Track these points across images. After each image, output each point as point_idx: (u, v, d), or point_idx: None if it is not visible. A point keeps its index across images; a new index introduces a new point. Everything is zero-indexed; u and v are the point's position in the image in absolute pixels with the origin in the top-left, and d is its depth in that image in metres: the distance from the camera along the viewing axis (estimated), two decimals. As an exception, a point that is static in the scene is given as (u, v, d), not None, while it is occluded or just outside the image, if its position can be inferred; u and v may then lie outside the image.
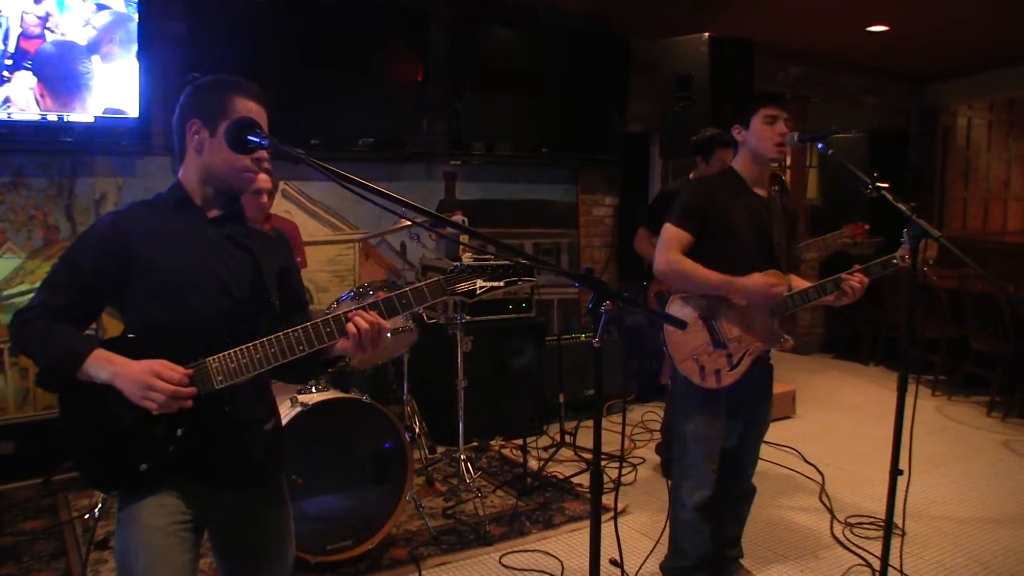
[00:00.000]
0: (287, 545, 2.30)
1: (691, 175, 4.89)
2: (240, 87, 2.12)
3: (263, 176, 4.63)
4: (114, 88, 4.88)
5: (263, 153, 2.09)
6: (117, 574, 2.06)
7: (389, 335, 4.12)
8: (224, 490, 2.11)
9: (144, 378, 1.89)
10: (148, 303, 2.01)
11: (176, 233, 2.07)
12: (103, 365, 1.92)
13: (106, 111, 4.86)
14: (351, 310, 2.08)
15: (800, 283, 3.37)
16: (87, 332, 2.07)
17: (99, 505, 4.07)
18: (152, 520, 1.99)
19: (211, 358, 1.99)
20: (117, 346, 1.97)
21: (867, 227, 4.63)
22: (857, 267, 3.26)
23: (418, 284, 2.17)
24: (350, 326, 2.06)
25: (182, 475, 2.02)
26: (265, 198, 4.66)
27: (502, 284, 2.12)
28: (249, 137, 1.99)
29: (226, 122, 2.03)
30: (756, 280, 3.18)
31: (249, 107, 2.09)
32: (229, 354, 2.00)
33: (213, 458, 2.06)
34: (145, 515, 1.99)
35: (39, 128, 4.71)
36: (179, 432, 1.99)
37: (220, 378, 2.00)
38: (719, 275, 3.17)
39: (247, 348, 2.01)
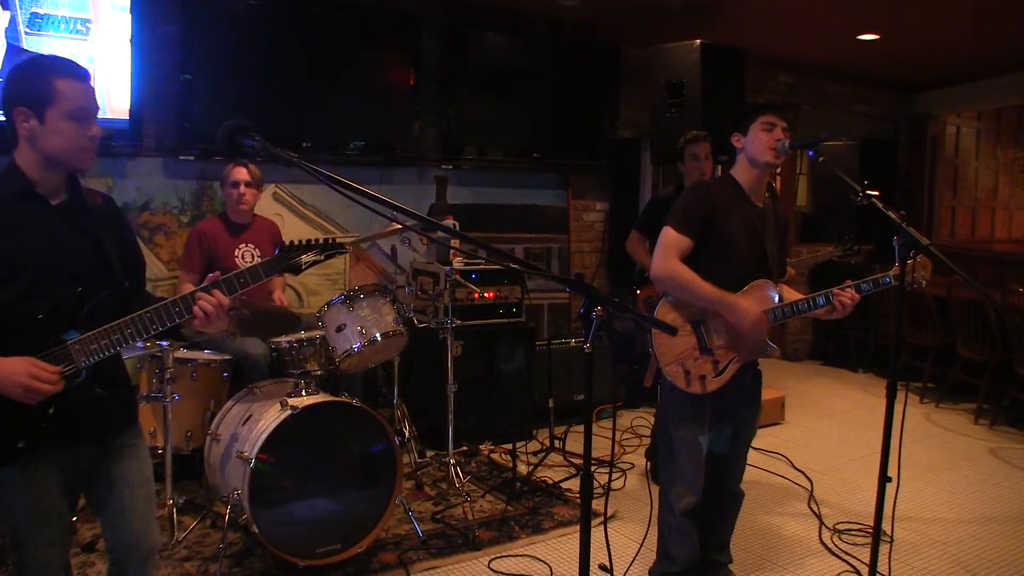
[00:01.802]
0: (149, 471, 2.49)
1: (685, 182, 4.92)
2: (59, 68, 2.15)
3: (239, 169, 4.65)
4: (105, 89, 4.87)
5: (97, 130, 2.18)
6: (8, 532, 2.27)
7: (379, 337, 4.12)
8: (88, 443, 2.31)
9: (22, 380, 2.04)
10: (4, 292, 2.09)
11: (21, 225, 2.14)
12: None
13: (100, 113, 4.84)
14: (196, 290, 2.25)
15: (791, 294, 3.38)
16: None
17: (87, 507, 4.05)
18: (32, 487, 2.19)
19: (72, 341, 2.14)
20: None
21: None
22: (849, 283, 3.28)
23: (252, 264, 2.36)
24: (196, 308, 2.23)
25: (53, 441, 2.19)
26: (242, 188, 4.66)
27: (322, 258, 2.32)
28: (243, 141, 2.00)
29: (54, 108, 2.10)
30: (750, 313, 3.19)
31: (73, 87, 2.14)
32: (89, 336, 2.16)
33: (80, 425, 2.24)
34: (26, 482, 2.18)
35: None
36: (50, 411, 2.14)
37: (83, 359, 2.16)
38: (715, 290, 3.17)
39: (106, 330, 2.17)
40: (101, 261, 2.27)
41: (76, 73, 2.17)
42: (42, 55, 2.24)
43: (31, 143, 2.14)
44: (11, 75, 2.16)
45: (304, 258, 2.42)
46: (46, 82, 2.11)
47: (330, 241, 2.45)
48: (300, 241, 2.40)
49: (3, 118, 2.17)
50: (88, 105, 2.17)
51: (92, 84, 2.21)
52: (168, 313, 2.22)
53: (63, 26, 4.74)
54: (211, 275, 2.33)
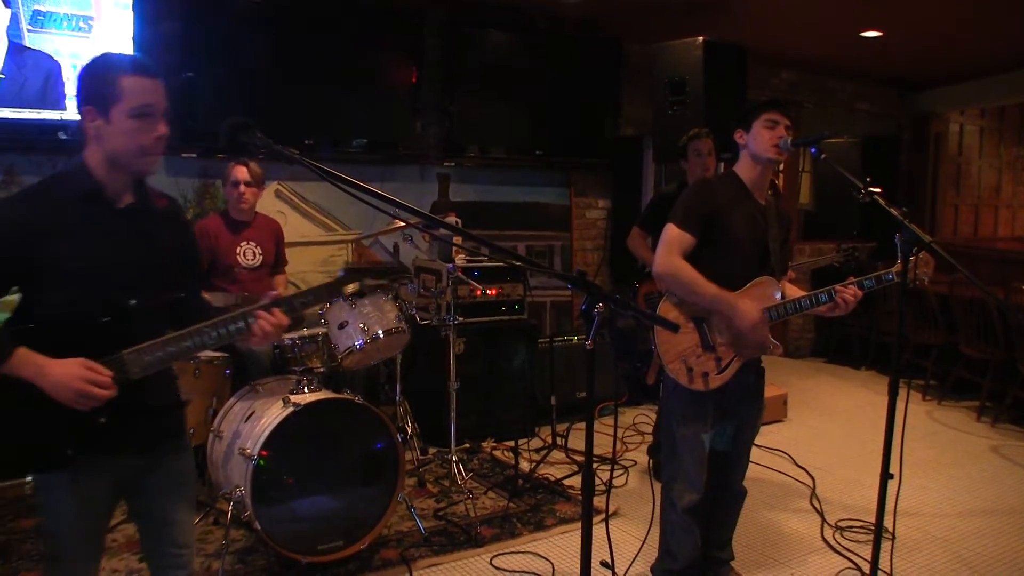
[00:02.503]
0: (192, 483, 2.49)
1: (688, 179, 4.91)
2: (126, 66, 2.09)
3: (240, 168, 4.65)
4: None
5: (163, 130, 2.12)
6: (44, 536, 2.25)
7: (381, 335, 4.12)
8: (135, 454, 2.25)
9: (76, 384, 1.99)
10: (57, 298, 2.06)
11: (84, 228, 2.09)
12: (25, 365, 1.99)
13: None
14: (255, 308, 2.21)
15: (793, 291, 3.38)
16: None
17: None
18: (76, 495, 2.15)
19: (127, 351, 2.09)
20: (29, 339, 2.01)
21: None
22: (851, 279, 3.28)
23: (315, 286, 2.34)
24: (255, 327, 2.19)
25: (101, 451, 2.14)
26: (243, 187, 4.66)
27: (385, 282, 2.31)
28: (245, 138, 2.00)
29: (119, 106, 2.05)
30: (750, 315, 3.19)
31: (141, 84, 2.07)
32: (145, 348, 2.11)
33: (129, 436, 2.20)
34: (69, 489, 2.15)
35: (34, 126, 4.70)
36: (102, 420, 2.09)
37: (136, 370, 2.11)
38: (717, 290, 3.17)
39: (162, 342, 2.13)
40: (160, 269, 2.24)
41: (142, 69, 2.10)
42: (112, 53, 2.16)
43: (98, 142, 2.10)
44: (82, 73, 2.11)
45: (368, 281, 2.41)
46: (112, 79, 2.06)
47: (394, 266, 2.45)
48: (364, 264, 2.42)
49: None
50: (153, 103, 2.09)
51: (158, 81, 2.12)
52: (226, 329, 2.18)
53: (65, 23, 4.75)
54: (272, 292, 2.30)
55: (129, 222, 2.18)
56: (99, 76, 2.08)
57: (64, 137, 4.81)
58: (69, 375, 1.99)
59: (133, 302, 2.14)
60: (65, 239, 2.05)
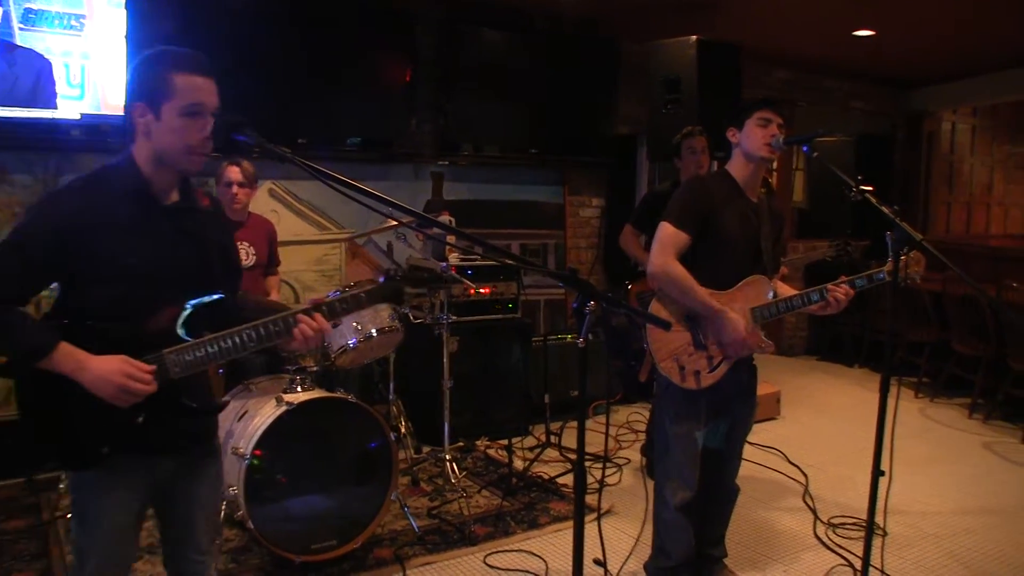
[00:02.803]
0: (219, 489, 2.48)
1: (681, 177, 4.91)
2: (179, 63, 2.06)
3: (233, 168, 4.64)
4: (101, 86, 4.87)
5: (210, 129, 2.09)
6: (75, 534, 2.21)
7: (375, 333, 4.12)
8: (169, 455, 2.25)
9: (118, 379, 1.98)
10: (101, 293, 2.05)
11: (131, 225, 2.08)
12: (66, 360, 1.97)
13: (93, 108, 4.85)
14: (297, 311, 2.19)
15: (785, 289, 3.39)
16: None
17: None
18: (110, 494, 2.14)
19: (168, 351, 2.08)
20: (70, 334, 1.99)
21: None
22: (843, 278, 3.29)
23: (357, 290, 2.32)
24: (296, 331, 2.17)
25: (137, 451, 2.14)
26: (235, 189, 4.65)
27: (424, 291, 2.29)
28: (236, 136, 1.99)
29: (169, 103, 2.02)
30: (738, 328, 3.20)
31: (193, 82, 2.05)
32: (186, 348, 2.10)
33: (164, 436, 2.18)
34: (104, 487, 2.13)
35: (25, 125, 4.69)
36: (140, 419, 2.07)
37: (177, 370, 2.10)
38: (709, 299, 3.18)
39: (203, 343, 2.11)
40: (204, 268, 2.22)
41: (196, 67, 2.07)
42: (168, 48, 2.09)
43: (147, 139, 2.07)
44: (134, 68, 2.09)
45: (408, 288, 2.40)
46: (163, 76, 2.03)
47: (434, 275, 2.44)
48: (404, 270, 2.40)
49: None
50: (204, 101, 2.06)
51: (211, 79, 2.09)
52: (267, 332, 2.17)
53: (57, 22, 4.73)
54: (313, 297, 2.28)
55: (174, 220, 2.16)
56: (151, 72, 2.05)
57: (56, 136, 4.79)
58: (110, 370, 1.98)
59: (179, 298, 2.13)
60: (112, 234, 2.04)
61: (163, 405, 2.09)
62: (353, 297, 2.30)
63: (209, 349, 2.12)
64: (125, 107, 2.09)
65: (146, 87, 2.05)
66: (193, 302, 2.14)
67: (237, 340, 2.14)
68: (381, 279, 2.38)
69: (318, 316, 2.20)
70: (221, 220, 2.40)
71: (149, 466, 2.19)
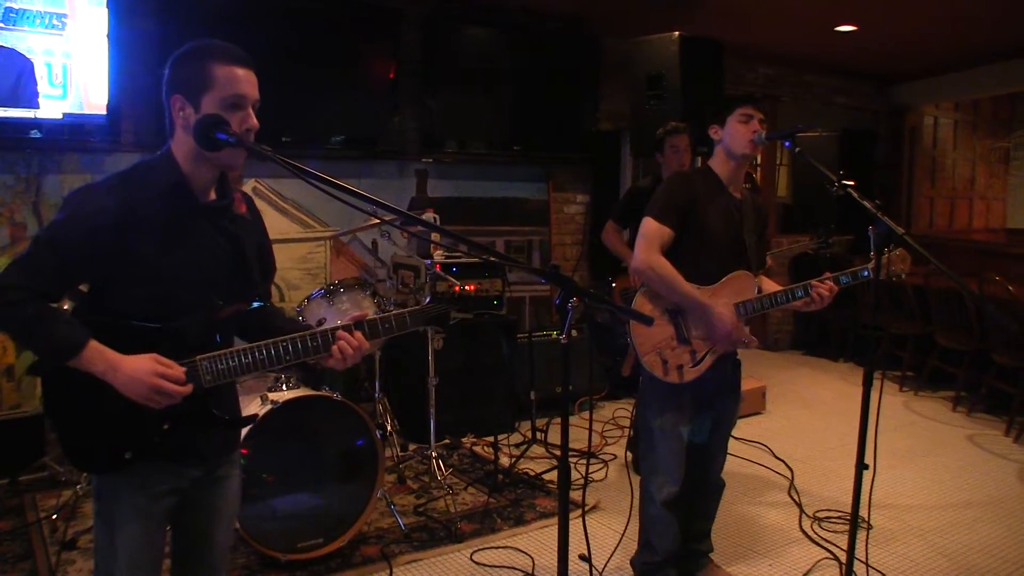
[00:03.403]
0: (237, 504, 2.38)
1: (663, 173, 4.93)
2: (219, 53, 2.00)
3: None
4: (83, 85, 4.84)
5: (253, 122, 2.05)
6: (99, 543, 2.12)
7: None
8: (193, 465, 2.16)
9: (150, 380, 1.91)
10: (136, 293, 1.98)
11: (169, 223, 2.00)
12: (96, 359, 1.90)
13: (75, 108, 4.82)
14: (337, 328, 2.12)
15: (770, 285, 3.40)
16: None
17: (68, 504, 4.05)
18: (134, 501, 2.05)
19: (201, 357, 2.01)
20: (101, 332, 1.92)
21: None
22: (828, 274, 3.31)
23: (402, 311, 2.26)
24: (335, 348, 2.11)
25: (161, 457, 2.06)
26: None
27: (470, 316, 2.28)
28: (217, 135, 1.97)
29: (209, 95, 1.97)
30: (725, 321, 3.21)
31: (233, 73, 1.99)
32: (220, 356, 2.03)
33: (190, 447, 2.11)
34: (129, 496, 2.05)
35: (6, 125, 4.66)
36: (166, 426, 2.01)
37: (209, 378, 2.03)
38: (693, 292, 3.20)
39: (238, 352, 2.04)
40: (241, 270, 2.14)
41: (235, 58, 2.01)
42: (207, 40, 2.03)
43: (186, 133, 2.01)
44: (172, 60, 2.02)
45: (454, 313, 2.37)
46: (203, 67, 1.98)
47: (484, 297, 2.42)
48: (452, 294, 2.35)
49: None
50: (246, 93, 2.01)
51: (252, 71, 2.04)
52: (305, 346, 2.10)
53: (38, 21, 4.70)
54: (356, 314, 2.22)
55: (213, 219, 2.10)
56: (190, 63, 2.00)
57: (38, 136, 4.76)
58: (143, 369, 1.91)
59: (216, 302, 2.07)
60: (150, 233, 1.96)
61: (191, 414, 2.03)
62: (397, 317, 2.23)
63: (243, 359, 2.05)
64: (164, 101, 2.02)
65: (185, 79, 1.99)
66: (227, 315, 2.08)
67: (273, 353, 2.07)
68: (427, 300, 2.34)
69: (358, 334, 2.14)
70: (259, 222, 2.33)
71: (174, 475, 2.11)
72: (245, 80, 2.02)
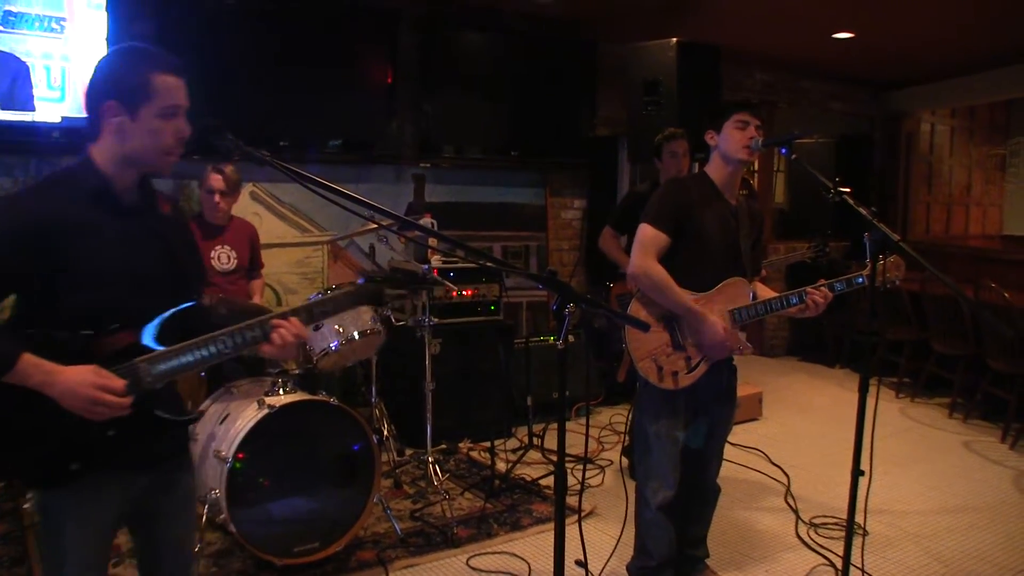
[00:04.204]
0: (194, 505, 2.37)
1: (661, 179, 4.93)
2: (158, 62, 1.99)
3: (216, 176, 4.62)
4: (82, 88, 4.84)
5: (186, 131, 2.03)
6: (45, 558, 2.09)
7: (356, 336, 4.12)
8: (142, 470, 2.14)
9: (88, 391, 1.86)
10: (65, 300, 1.93)
11: (95, 227, 1.97)
12: (32, 372, 1.85)
13: (74, 111, 4.82)
14: (273, 316, 2.11)
15: (765, 291, 3.41)
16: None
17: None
18: (82, 513, 2.02)
19: (141, 360, 1.98)
20: (35, 345, 1.88)
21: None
22: (823, 281, 3.32)
23: (335, 294, 2.26)
24: (275, 335, 2.09)
25: (109, 467, 2.02)
26: (218, 198, 4.64)
27: (404, 292, 2.25)
28: (216, 140, 1.97)
29: (149, 104, 1.95)
30: (717, 331, 3.22)
31: (168, 83, 1.99)
32: (159, 356, 2.00)
33: (136, 451, 2.07)
34: (75, 508, 2.02)
35: (3, 128, 4.66)
36: (111, 433, 1.97)
37: (150, 380, 1.99)
38: (688, 301, 3.20)
39: (177, 350, 2.01)
40: (174, 271, 2.13)
41: (173, 68, 2.01)
42: (141, 46, 2.03)
43: (117, 139, 1.98)
44: (104, 64, 2.00)
45: (388, 289, 2.35)
46: (144, 76, 1.96)
47: (414, 276, 2.41)
48: (385, 272, 2.36)
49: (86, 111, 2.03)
50: (181, 103, 2.01)
51: (183, 80, 2.04)
52: (243, 337, 2.07)
53: (37, 24, 4.71)
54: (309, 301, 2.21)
55: (139, 223, 2.07)
56: (129, 70, 1.98)
57: (35, 140, 4.76)
58: (80, 382, 1.86)
59: (150, 303, 2.03)
60: (77, 237, 1.93)
61: (135, 417, 1.97)
62: (331, 299, 2.24)
63: (183, 358, 2.02)
64: (89, 104, 1.99)
65: (122, 85, 1.96)
66: (163, 315, 2.04)
67: (213, 348, 2.04)
68: (360, 280, 2.33)
69: (295, 320, 2.13)
70: (185, 223, 2.32)
71: (122, 483, 2.08)
72: (180, 89, 2.02)
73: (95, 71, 2.00)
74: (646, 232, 3.26)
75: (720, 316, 3.27)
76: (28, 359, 1.84)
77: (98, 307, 1.96)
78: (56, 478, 1.97)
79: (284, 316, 2.12)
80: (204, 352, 2.03)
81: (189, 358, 2.02)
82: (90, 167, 2.01)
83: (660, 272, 3.19)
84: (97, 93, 1.99)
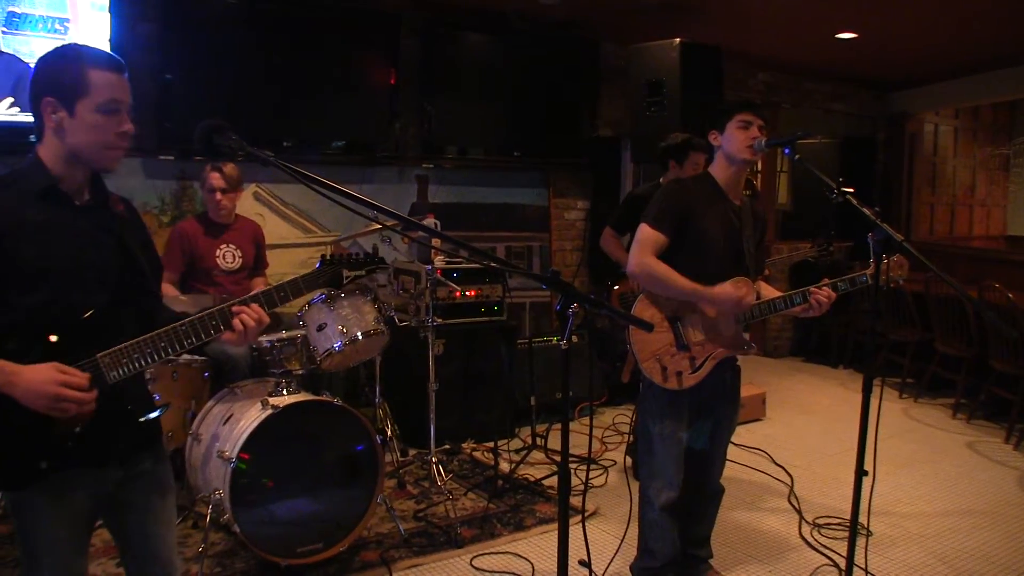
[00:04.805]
0: (172, 497, 2.35)
1: (662, 180, 4.91)
2: (92, 58, 2.00)
3: (215, 175, 4.62)
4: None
5: (128, 126, 2.02)
6: (22, 559, 2.08)
7: (360, 336, 4.12)
8: (113, 466, 2.13)
9: (51, 389, 1.86)
10: (23, 301, 1.94)
11: (47, 226, 1.98)
12: None
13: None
14: (232, 303, 2.13)
15: (769, 291, 3.41)
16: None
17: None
18: (55, 513, 2.03)
19: (102, 354, 1.98)
20: None
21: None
22: (826, 281, 3.31)
23: (293, 278, 2.26)
24: (236, 322, 2.11)
25: (78, 464, 2.02)
26: (219, 195, 4.64)
27: (363, 273, 2.26)
28: (220, 140, 1.97)
29: (85, 99, 1.96)
30: (727, 291, 3.21)
31: (107, 78, 1.98)
32: (121, 349, 2.00)
33: (106, 446, 2.08)
34: (47, 507, 2.02)
35: (7, 129, 4.66)
36: (77, 430, 1.98)
37: (113, 373, 2.00)
38: (690, 283, 3.20)
39: (138, 343, 2.02)
40: (130, 267, 2.13)
41: (110, 64, 2.00)
42: (78, 44, 2.04)
43: (58, 136, 1.99)
44: (41, 63, 2.00)
45: (346, 271, 2.36)
46: (78, 72, 1.96)
47: (371, 257, 2.43)
48: (341, 255, 2.37)
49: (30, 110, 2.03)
50: (121, 98, 2.00)
51: (126, 76, 2.03)
52: (204, 326, 2.09)
53: (41, 25, 4.72)
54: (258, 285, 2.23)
55: (92, 220, 2.08)
56: (64, 67, 1.98)
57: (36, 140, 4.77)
58: (43, 380, 1.86)
59: (107, 299, 2.04)
60: (28, 236, 1.94)
61: (102, 412, 1.98)
62: (291, 283, 2.25)
63: (145, 350, 2.03)
64: (29, 102, 2.01)
65: (58, 82, 1.97)
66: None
67: (174, 339, 2.06)
68: (318, 264, 2.33)
69: (255, 306, 2.14)
70: (139, 221, 2.31)
71: (94, 479, 2.08)
72: (119, 85, 2.01)
73: (34, 70, 2.02)
74: (644, 232, 3.26)
75: (724, 316, 3.27)
76: None
77: (54, 306, 1.96)
78: (25, 478, 1.97)
79: (244, 302, 2.14)
80: (164, 344, 2.05)
81: (149, 350, 2.04)
82: (38, 166, 2.02)
83: (658, 264, 3.20)
84: (35, 90, 2.00)
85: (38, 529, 2.03)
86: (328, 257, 2.36)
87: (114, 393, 2.02)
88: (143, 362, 2.04)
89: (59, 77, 1.98)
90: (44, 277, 1.96)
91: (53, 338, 1.96)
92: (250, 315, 2.13)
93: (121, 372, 2.01)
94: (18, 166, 2.05)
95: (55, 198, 2.02)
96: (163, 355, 2.06)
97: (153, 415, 2.23)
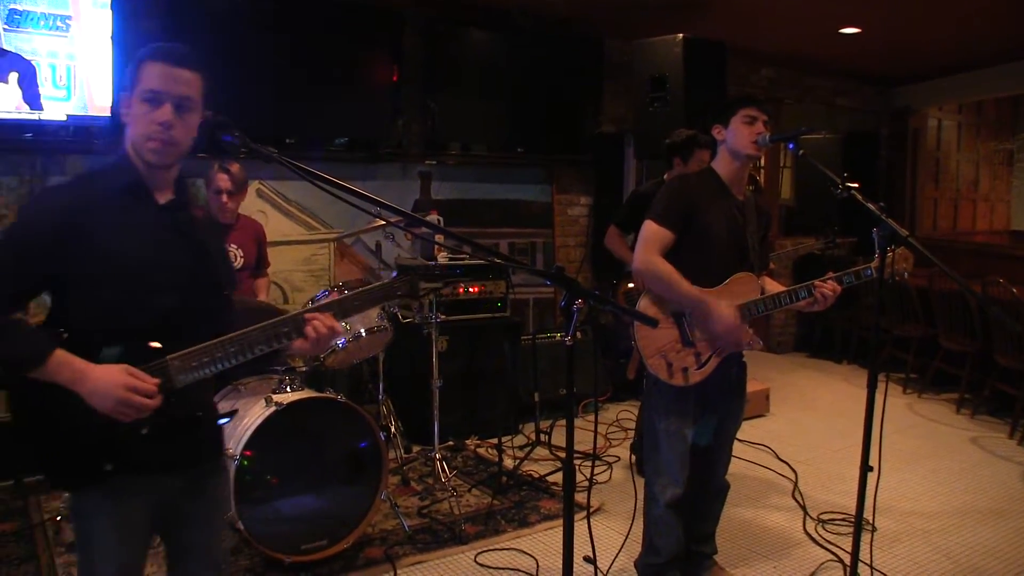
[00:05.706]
0: (225, 509, 2.37)
1: (666, 176, 4.90)
2: (151, 51, 1.99)
3: (222, 176, 4.61)
4: (88, 87, 4.85)
5: (163, 115, 1.96)
6: (80, 564, 2.07)
7: (363, 333, 4.12)
8: (176, 473, 2.11)
9: (119, 392, 1.85)
10: (101, 296, 1.92)
11: (129, 222, 1.97)
12: (63, 370, 1.84)
13: (79, 109, 4.83)
14: (306, 311, 2.10)
15: (774, 286, 3.40)
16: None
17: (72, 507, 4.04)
18: (116, 518, 2.00)
19: (172, 357, 1.96)
20: (67, 342, 1.87)
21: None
22: (831, 274, 3.30)
23: (369, 287, 2.24)
24: (308, 329, 2.08)
25: (142, 469, 2.00)
26: (225, 198, 4.63)
27: (441, 285, 2.24)
28: (223, 137, 1.97)
29: (136, 90, 1.97)
30: (727, 317, 3.19)
31: (155, 69, 1.96)
32: (191, 352, 1.98)
33: (170, 451, 2.05)
34: (108, 513, 2.00)
35: (11, 126, 4.66)
36: (143, 432, 1.96)
37: (182, 376, 1.97)
38: (694, 291, 3.18)
39: (208, 347, 2.00)
40: (206, 270, 2.11)
41: (163, 56, 1.98)
42: (158, 44, 2.03)
43: (128, 129, 2.01)
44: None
45: (424, 284, 2.34)
46: (136, 65, 1.98)
47: (457, 265, 2.41)
48: (416, 267, 2.35)
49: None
50: (161, 88, 1.95)
51: (182, 69, 1.98)
52: (276, 333, 2.06)
53: (43, 22, 4.71)
54: (323, 300, 2.19)
55: (172, 220, 2.06)
56: (131, 64, 2.00)
57: (42, 138, 4.77)
58: (111, 382, 1.84)
59: (182, 301, 2.02)
60: (109, 232, 1.92)
61: (169, 416, 1.97)
62: (366, 292, 2.22)
63: (216, 355, 2.00)
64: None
65: (127, 79, 2.00)
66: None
67: (245, 344, 2.03)
68: (394, 274, 2.31)
69: (328, 315, 2.12)
70: (217, 225, 2.33)
71: (156, 485, 2.05)
72: (166, 76, 1.97)
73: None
74: (650, 228, 3.25)
75: (729, 311, 3.26)
76: (60, 355, 1.84)
77: (129, 302, 1.95)
78: (89, 478, 1.96)
79: (317, 310, 2.12)
80: (234, 349, 2.02)
81: (220, 354, 2.01)
82: (126, 162, 2.02)
83: (664, 265, 3.18)
84: (120, 86, 2.03)
85: (98, 531, 2.01)
86: (405, 268, 2.34)
87: (182, 397, 1.99)
88: (213, 367, 2.01)
89: (128, 74, 2.00)
90: (119, 276, 1.94)
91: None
92: (323, 322, 2.10)
93: (190, 376, 1.99)
94: (108, 161, 2.06)
95: (138, 195, 2.01)
96: (233, 361, 2.03)
97: (222, 422, 2.22)
